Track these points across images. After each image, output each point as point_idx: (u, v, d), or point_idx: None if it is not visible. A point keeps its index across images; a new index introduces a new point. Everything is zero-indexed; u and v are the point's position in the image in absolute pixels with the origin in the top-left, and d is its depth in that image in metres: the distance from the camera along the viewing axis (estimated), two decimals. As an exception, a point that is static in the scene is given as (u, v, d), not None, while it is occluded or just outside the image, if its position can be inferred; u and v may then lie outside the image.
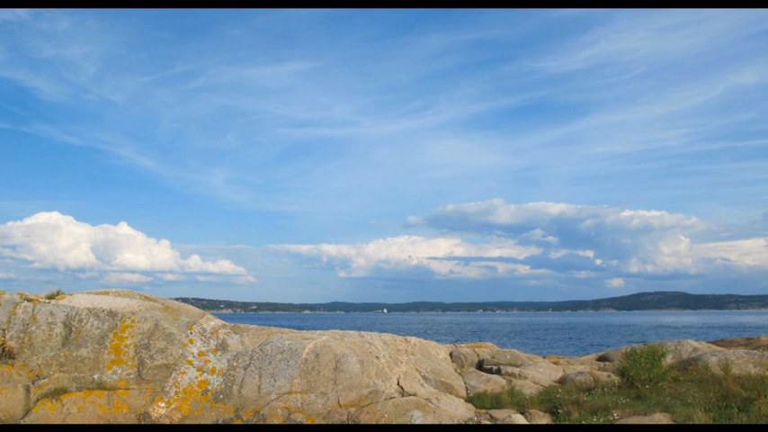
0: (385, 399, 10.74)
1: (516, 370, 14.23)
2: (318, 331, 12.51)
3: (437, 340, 17.88)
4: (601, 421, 9.77)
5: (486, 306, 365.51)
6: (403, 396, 11.01)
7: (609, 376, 13.73)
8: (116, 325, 11.31)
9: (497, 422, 10.28)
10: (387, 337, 13.33)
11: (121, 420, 10.36)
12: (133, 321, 11.38)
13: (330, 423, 10.34)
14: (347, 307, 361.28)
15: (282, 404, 10.55)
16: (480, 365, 15.19)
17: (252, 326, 12.38)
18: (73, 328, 11.22)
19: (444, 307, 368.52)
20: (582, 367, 15.84)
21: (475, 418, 10.51)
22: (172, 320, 11.81)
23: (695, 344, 16.98)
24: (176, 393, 10.70)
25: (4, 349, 10.89)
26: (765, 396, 10.15)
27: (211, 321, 12.29)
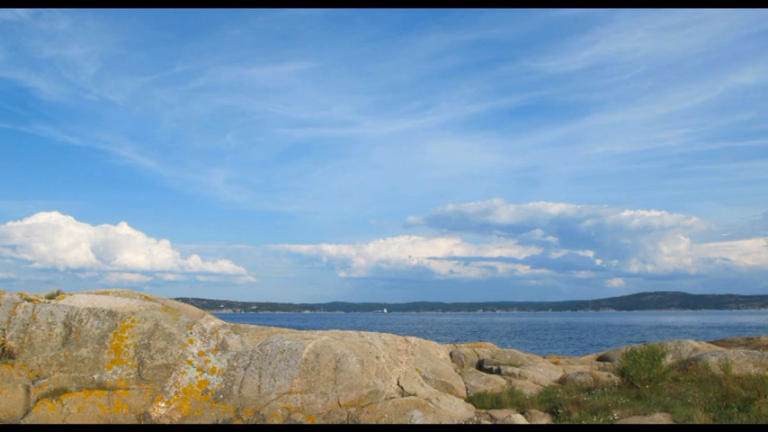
0: (385, 399, 10.74)
1: (516, 370, 14.22)
2: (318, 331, 12.51)
3: (437, 340, 17.88)
4: (601, 421, 9.77)
5: (486, 306, 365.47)
6: (403, 396, 11.01)
7: (609, 376, 13.73)
8: (116, 325, 11.31)
9: (497, 422, 10.28)
10: (387, 337, 13.33)
11: (121, 420, 10.36)
12: (133, 321, 11.38)
13: (330, 423, 10.34)
14: (347, 307, 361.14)
15: (282, 404, 10.55)
16: (480, 365, 15.19)
17: (252, 326, 12.38)
18: (73, 328, 11.22)
19: (444, 307, 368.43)
20: (582, 367, 15.84)
21: (475, 418, 10.50)
22: (172, 320, 11.81)
23: (695, 344, 16.97)
24: (176, 393, 10.70)
25: (4, 349, 10.89)
26: (765, 396, 10.14)
27: (211, 321, 12.29)
